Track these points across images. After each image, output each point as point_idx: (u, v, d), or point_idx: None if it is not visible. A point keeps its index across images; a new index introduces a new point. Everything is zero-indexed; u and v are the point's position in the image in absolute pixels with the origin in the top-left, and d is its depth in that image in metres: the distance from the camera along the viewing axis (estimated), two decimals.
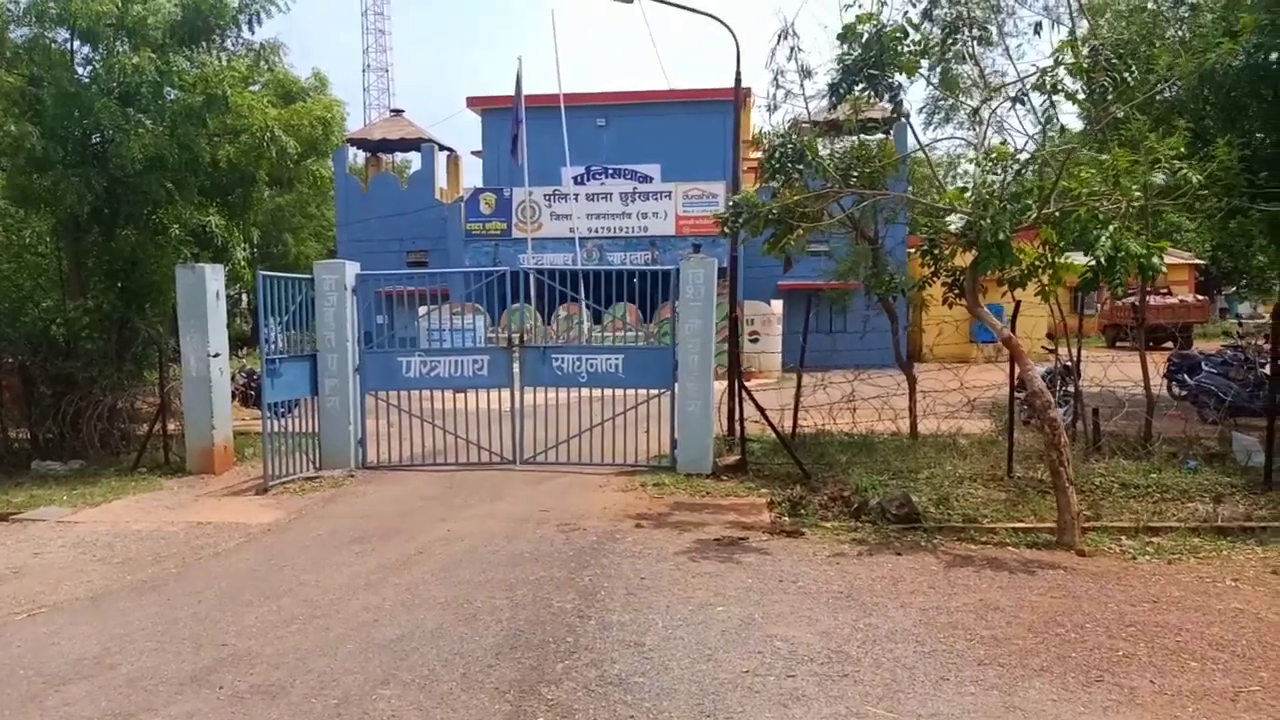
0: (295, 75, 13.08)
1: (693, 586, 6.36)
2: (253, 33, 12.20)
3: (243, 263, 13.17)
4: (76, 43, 11.22)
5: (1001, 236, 7.11)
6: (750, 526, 8.17)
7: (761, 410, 10.45)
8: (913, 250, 21.87)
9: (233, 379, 13.74)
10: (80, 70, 11.35)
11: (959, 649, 5.12)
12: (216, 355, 11.20)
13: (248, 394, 16.51)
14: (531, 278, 13.54)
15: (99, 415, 11.96)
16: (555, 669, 4.91)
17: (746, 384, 10.95)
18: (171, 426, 12.04)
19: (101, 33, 10.57)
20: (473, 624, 5.65)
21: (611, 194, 26.24)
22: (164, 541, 8.34)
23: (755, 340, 24.22)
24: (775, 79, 9.47)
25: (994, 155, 7.72)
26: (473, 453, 11.52)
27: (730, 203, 9.94)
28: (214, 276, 11.25)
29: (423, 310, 13.29)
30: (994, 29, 8.77)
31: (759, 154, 11.12)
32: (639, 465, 10.99)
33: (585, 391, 11.41)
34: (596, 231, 26.07)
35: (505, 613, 5.85)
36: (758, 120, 31.57)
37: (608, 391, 11.34)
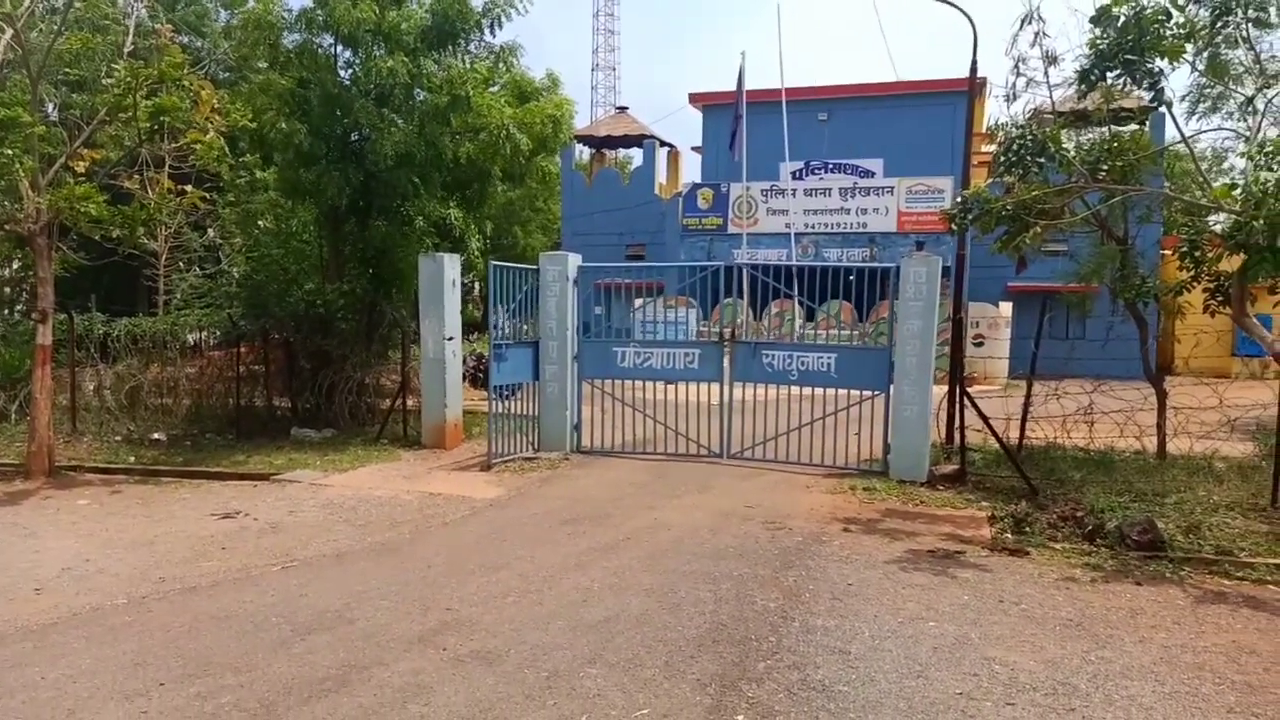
0: (530, 76, 13.76)
1: (903, 598, 6.11)
2: (493, 36, 12.95)
3: (476, 253, 14.05)
4: (339, 48, 12.36)
5: (1279, 241, 6.31)
6: (968, 540, 7.74)
7: (985, 418, 9.86)
8: (1168, 252, 19.88)
9: (463, 361, 14.70)
10: (342, 73, 12.50)
11: (1205, 693, 4.60)
12: (451, 339, 12.01)
13: (476, 376, 17.59)
14: (745, 273, 13.51)
15: (349, 389, 13.17)
16: (757, 667, 4.86)
17: (968, 390, 10.37)
18: (410, 403, 13.04)
19: (361, 38, 11.60)
20: (676, 613, 5.72)
21: (830, 189, 25.70)
22: (400, 508, 9.04)
23: (980, 344, 22.95)
24: (1016, 66, 8.89)
25: (1270, 148, 6.85)
26: (681, 444, 11.67)
27: (959, 198, 9.44)
28: (451, 265, 12.07)
29: (638, 302, 13.60)
30: (1272, 9, 7.77)
31: (991, 147, 10.49)
32: (848, 468, 10.70)
33: (795, 389, 11.24)
34: (813, 227, 25.63)
35: (709, 605, 5.88)
36: (992, 111, 29.72)
37: (818, 390, 11.11)
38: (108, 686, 4.65)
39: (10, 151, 9.36)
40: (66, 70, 12.47)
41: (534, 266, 11.81)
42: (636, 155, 34.48)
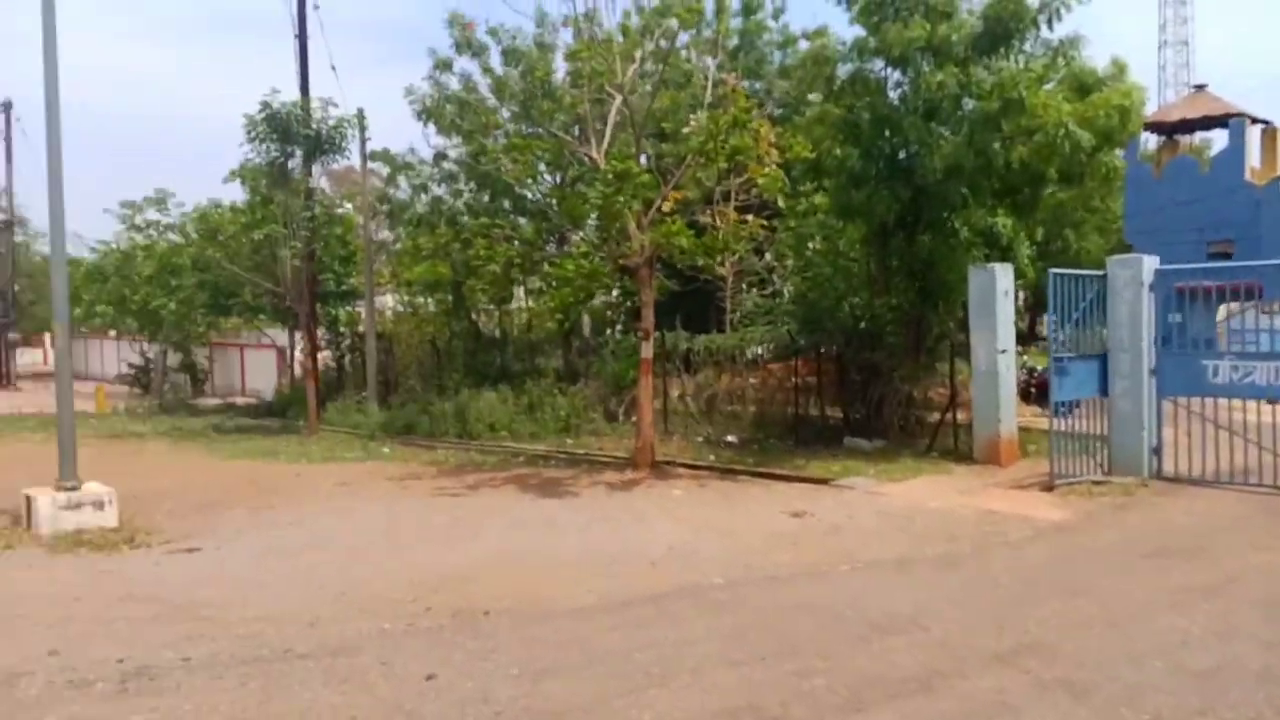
0: (1092, 66, 12.69)
1: None
2: (1051, 30, 12.21)
3: (1026, 261, 13.34)
4: (889, 69, 12.71)
5: None
6: None
7: None
8: None
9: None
10: (891, 94, 12.83)
11: None
12: (1004, 351, 11.58)
13: (1027, 391, 16.67)
14: None
15: (898, 401, 13.44)
16: None
17: None
18: (959, 417, 12.85)
19: (910, 57, 11.79)
20: None
21: None
22: (956, 522, 8.96)
23: None
24: None
25: None
26: None
27: None
28: (1003, 275, 11.64)
29: (1225, 309, 11.70)
30: None
31: None
32: None
33: None
34: None
35: None
36: None
37: None
38: (717, 653, 5.37)
39: (622, 198, 11.32)
40: (663, 125, 14.69)
41: (1098, 272, 10.85)
42: (1219, 138, 29.61)
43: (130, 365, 29.10)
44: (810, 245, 16.64)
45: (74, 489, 8.97)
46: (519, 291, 20.10)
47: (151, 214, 19.12)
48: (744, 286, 20.95)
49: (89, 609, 6.53)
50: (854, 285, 14.45)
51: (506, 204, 17.56)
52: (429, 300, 23.53)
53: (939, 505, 9.72)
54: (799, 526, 9.03)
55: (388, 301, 24.74)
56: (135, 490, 9.74)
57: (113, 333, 30.46)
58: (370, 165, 19.68)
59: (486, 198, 17.51)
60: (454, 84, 17.26)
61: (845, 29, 18.79)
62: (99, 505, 8.96)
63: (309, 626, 5.99)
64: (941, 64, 11.62)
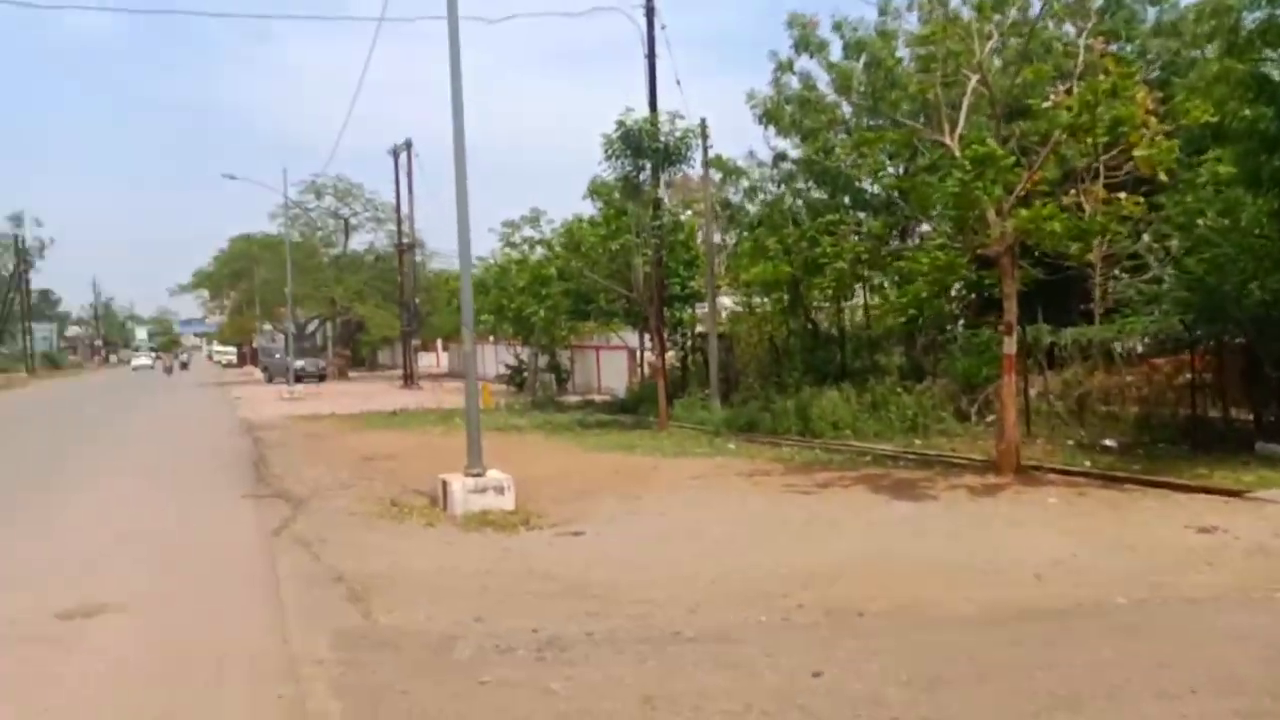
0: None
1: None
2: None
3: None
4: None
5: None
6: None
7: None
8: None
9: None
10: None
11: None
12: None
13: None
14: None
15: None
16: None
17: None
18: None
19: None
20: None
21: None
22: None
23: None
24: None
25: None
26: None
27: None
28: None
29: None
30: None
31: None
32: None
33: None
34: None
35: None
36: None
37: None
38: (1137, 680, 4.81)
39: (982, 185, 10.62)
40: (1026, 101, 13.58)
41: None
42: None
43: (506, 366, 32.65)
44: (1200, 222, 14.50)
45: (479, 475, 10.18)
46: (857, 288, 19.72)
47: (527, 230, 21.26)
48: (1115, 273, 18.87)
49: (499, 582, 7.35)
50: (1265, 266, 12.34)
51: (846, 199, 17.29)
52: (765, 300, 23.88)
53: None
54: (1211, 544, 7.89)
55: (725, 302, 25.43)
56: (522, 476, 10.82)
57: (491, 338, 34.35)
58: (713, 172, 20.34)
59: (826, 194, 17.37)
60: (794, 84, 17.33)
61: None
62: (500, 490, 10.10)
63: (690, 612, 6.26)
64: None
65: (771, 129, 17.56)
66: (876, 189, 16.90)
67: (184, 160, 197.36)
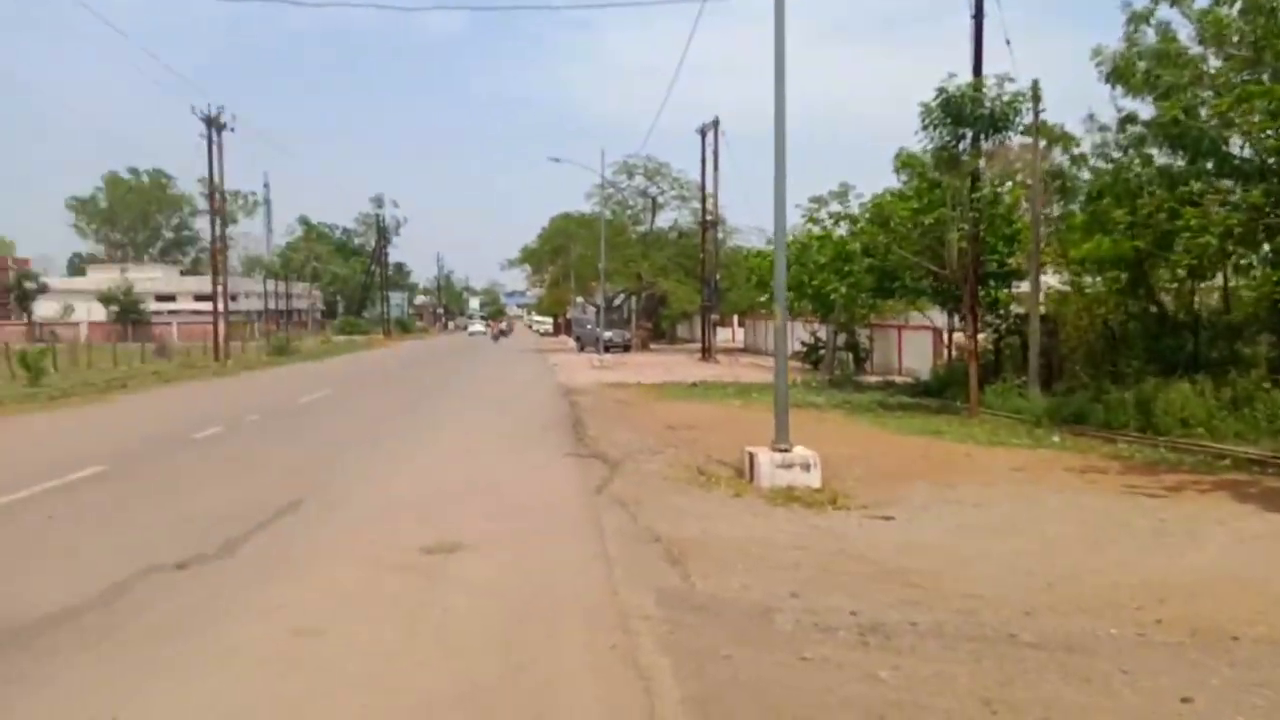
0: None
1: None
2: None
3: None
4: None
5: None
6: None
7: None
8: None
9: None
10: None
11: None
12: None
13: None
14: None
15: None
16: None
17: None
18: None
19: None
20: None
21: None
22: None
23: None
24: None
25: None
26: None
27: None
28: None
29: None
30: None
31: None
32: None
33: None
34: None
35: None
36: None
37: None
38: None
39: None
40: None
41: None
42: None
43: (802, 343, 32.43)
44: None
45: (786, 450, 10.16)
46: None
47: (834, 206, 20.84)
48: None
49: (812, 558, 7.28)
50: None
51: (1209, 166, 15.07)
52: (1096, 279, 21.58)
53: None
54: None
55: (1048, 281, 23.34)
56: (825, 454, 10.64)
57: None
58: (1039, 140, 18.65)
59: (1185, 161, 15.25)
60: (1150, 37, 15.35)
61: None
62: (805, 467, 10.02)
63: (1025, 615, 5.80)
64: None
65: (1119, 89, 15.67)
66: (1248, 153, 14.56)
67: (513, 145, 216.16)
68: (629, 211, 53.70)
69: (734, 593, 6.30)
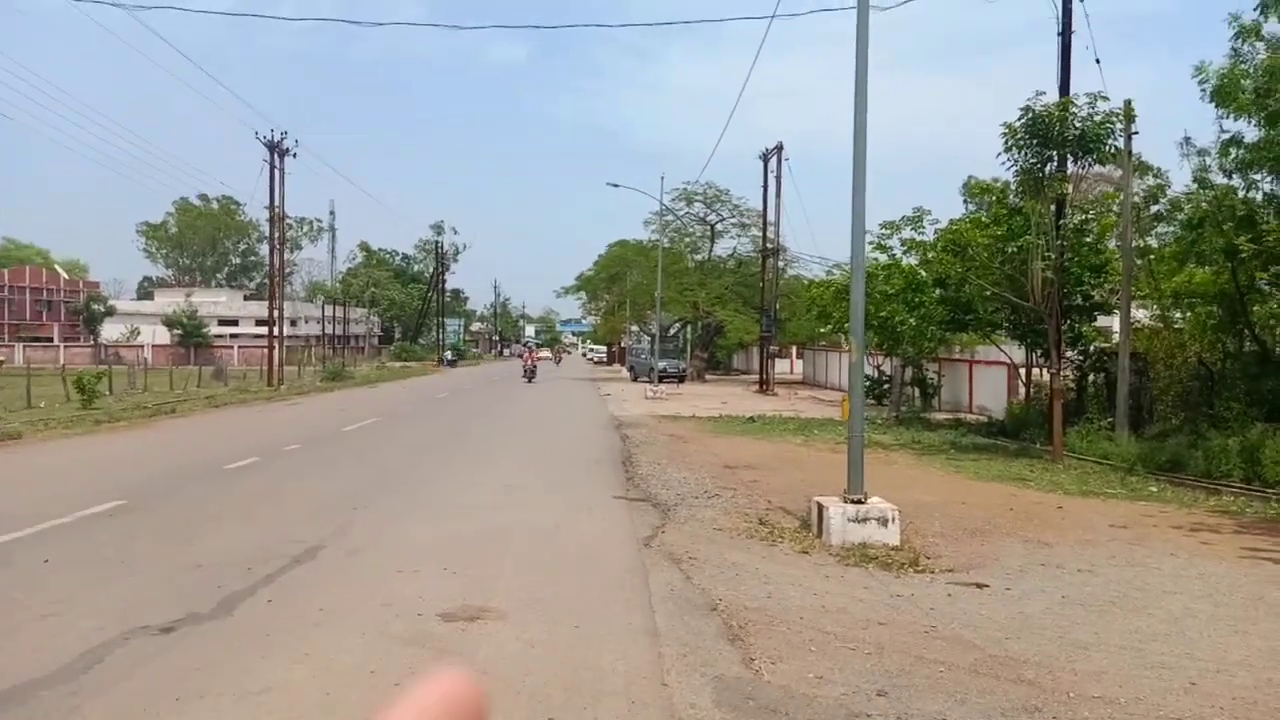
0: None
1: None
2: None
3: None
4: None
5: None
6: None
7: None
8: None
9: None
10: None
11: None
12: None
13: None
14: None
15: None
16: None
17: None
18: None
19: None
20: None
21: None
22: None
23: None
24: None
25: None
26: None
27: None
28: None
29: None
30: None
31: None
32: None
33: None
34: None
35: None
36: None
37: None
38: None
39: None
40: None
41: None
42: None
43: (866, 378, 31.01)
44: None
45: (860, 502, 9.04)
46: None
47: (907, 232, 19.64)
48: None
49: (897, 638, 6.17)
50: None
51: None
52: (1188, 314, 20.02)
53: None
54: None
55: (1137, 316, 21.81)
56: (899, 502, 9.52)
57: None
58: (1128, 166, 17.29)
59: None
60: (1260, 53, 14.02)
61: None
62: (883, 521, 8.88)
63: None
64: None
65: (1223, 109, 14.36)
66: None
67: (572, 171, 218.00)
68: (687, 239, 52.84)
69: (809, 686, 5.23)
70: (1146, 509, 11.77)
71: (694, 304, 48.45)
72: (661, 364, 42.40)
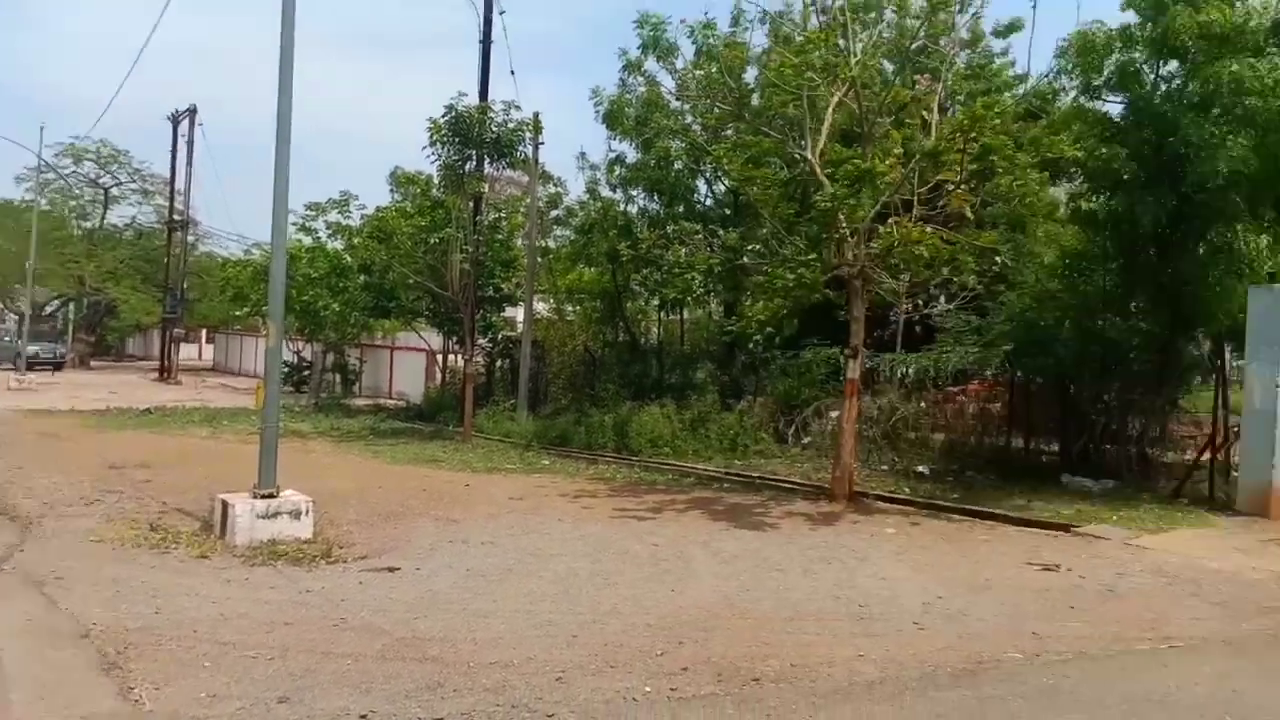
0: None
1: None
2: None
3: None
4: (1163, 61, 11.17)
5: None
6: None
7: None
8: None
9: None
10: (1161, 86, 11.27)
11: None
12: None
13: None
14: None
15: (1131, 437, 11.86)
16: None
17: None
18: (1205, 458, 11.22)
19: (1194, 46, 10.27)
20: None
21: None
22: (1255, 589, 7.62)
23: None
24: None
25: None
26: None
27: None
28: None
29: None
30: None
31: None
32: None
33: None
34: None
35: None
36: None
37: None
38: None
39: (854, 201, 10.24)
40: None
41: None
42: None
43: (286, 364, 29.66)
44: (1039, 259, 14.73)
45: (272, 496, 8.48)
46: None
47: (333, 216, 19.12)
48: (920, 303, 19.43)
49: (304, 637, 5.89)
50: (1089, 305, 12.71)
51: (681, 209, 16.72)
52: (578, 308, 22.97)
53: (1221, 566, 8.36)
54: (1061, 584, 7.76)
55: (540, 308, 24.36)
56: (314, 492, 9.22)
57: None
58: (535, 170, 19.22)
59: (662, 204, 16.72)
60: (640, 87, 16.51)
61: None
62: (296, 514, 8.46)
63: (557, 681, 5.16)
64: (1235, 53, 9.97)
65: (613, 131, 16.66)
66: (710, 203, 16.46)
67: None
68: (74, 203, 44.93)
69: (199, 707, 4.70)
70: (540, 481, 13.09)
71: (79, 278, 41.45)
72: (33, 348, 35.51)
